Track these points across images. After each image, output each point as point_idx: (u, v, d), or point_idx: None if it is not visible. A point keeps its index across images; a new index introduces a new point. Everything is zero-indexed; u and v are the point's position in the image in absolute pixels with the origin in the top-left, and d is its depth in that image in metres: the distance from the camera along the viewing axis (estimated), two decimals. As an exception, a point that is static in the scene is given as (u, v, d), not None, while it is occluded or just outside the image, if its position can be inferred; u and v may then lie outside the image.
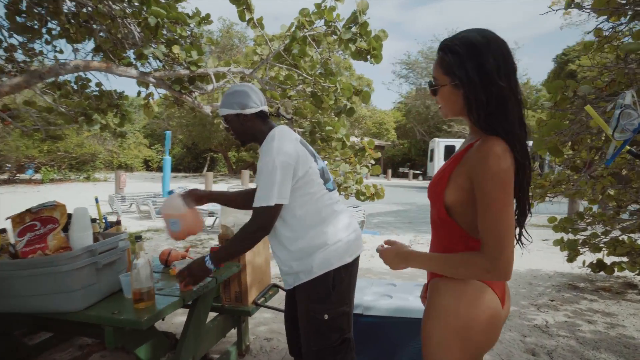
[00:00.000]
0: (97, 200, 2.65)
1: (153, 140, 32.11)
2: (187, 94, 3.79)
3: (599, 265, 4.07)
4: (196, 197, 1.87)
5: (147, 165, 32.02)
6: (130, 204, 10.33)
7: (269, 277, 2.86)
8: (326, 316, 1.57)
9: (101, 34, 3.77)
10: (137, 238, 1.75)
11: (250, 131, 1.68)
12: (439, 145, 20.23)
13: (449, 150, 20.03)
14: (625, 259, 3.95)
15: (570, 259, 4.05)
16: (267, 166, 1.51)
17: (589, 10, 2.95)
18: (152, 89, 4.02)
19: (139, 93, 4.06)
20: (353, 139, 4.71)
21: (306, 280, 1.60)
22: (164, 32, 3.67)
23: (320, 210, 1.63)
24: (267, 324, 3.20)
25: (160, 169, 30.51)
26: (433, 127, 30.99)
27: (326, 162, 4.16)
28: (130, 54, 3.77)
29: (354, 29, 3.83)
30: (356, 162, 4.75)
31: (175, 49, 3.58)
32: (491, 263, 0.98)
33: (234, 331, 2.69)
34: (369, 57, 4.10)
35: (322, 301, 1.58)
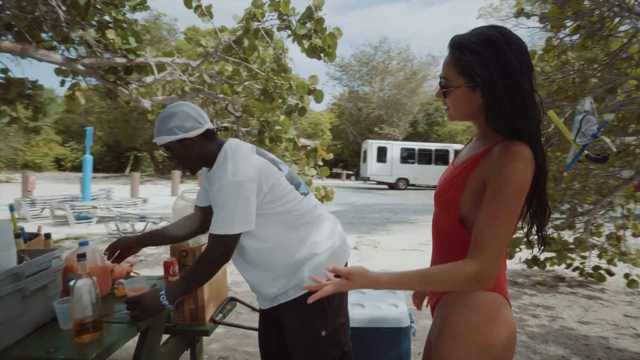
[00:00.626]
0: (12, 209, 2.17)
1: (67, 137, 29.08)
2: (124, 86, 3.36)
3: (533, 261, 4.37)
4: (124, 248, 1.67)
5: (60, 165, 28.92)
6: (41, 208, 9.15)
7: (226, 289, 2.60)
8: (324, 332, 1.43)
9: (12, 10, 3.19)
10: (81, 256, 1.43)
11: (198, 155, 1.47)
12: (371, 147, 20.84)
13: (381, 151, 20.73)
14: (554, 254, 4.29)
15: (510, 256, 4.29)
16: (224, 191, 1.33)
17: (517, 23, 3.09)
18: (78, 78, 3.51)
19: (62, 82, 3.52)
20: (303, 140, 4.57)
21: (297, 297, 1.44)
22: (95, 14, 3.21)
23: (299, 219, 1.48)
24: (220, 340, 2.94)
25: (75, 168, 27.70)
26: (365, 129, 31.95)
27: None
28: (53, 36, 3.24)
29: (309, 25, 3.69)
30: (305, 164, 4.61)
31: (110, 34, 3.15)
32: (482, 272, 0.91)
33: (187, 352, 2.39)
34: (322, 55, 3.99)
35: (318, 317, 1.43)
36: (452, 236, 1.07)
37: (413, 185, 20.71)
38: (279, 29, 3.74)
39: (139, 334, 1.74)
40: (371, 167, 20.64)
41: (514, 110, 0.96)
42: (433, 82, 31.34)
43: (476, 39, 0.97)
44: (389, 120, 30.70)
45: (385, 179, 20.82)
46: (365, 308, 2.22)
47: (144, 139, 24.15)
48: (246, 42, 3.65)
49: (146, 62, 3.32)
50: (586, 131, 2.15)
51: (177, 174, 15.60)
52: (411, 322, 2.18)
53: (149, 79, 3.57)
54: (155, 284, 1.96)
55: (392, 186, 20.82)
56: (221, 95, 3.98)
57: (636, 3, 2.55)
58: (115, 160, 31.12)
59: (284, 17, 3.62)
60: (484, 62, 0.94)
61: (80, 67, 3.15)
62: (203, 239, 2.34)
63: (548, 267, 4.44)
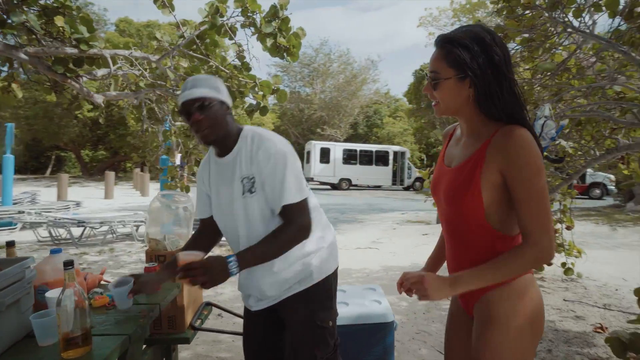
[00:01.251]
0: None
1: (-26, 135, 25.78)
2: (73, 79, 3.07)
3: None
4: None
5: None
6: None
7: (201, 294, 2.49)
8: (330, 323, 1.49)
9: None
10: (68, 264, 1.30)
11: (227, 125, 1.40)
12: (315, 148, 21.05)
13: (324, 152, 21.03)
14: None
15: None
16: (279, 158, 1.34)
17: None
18: (15, 67, 3.14)
19: (-4, 71, 3.13)
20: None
21: (302, 289, 1.46)
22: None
23: (312, 212, 1.47)
24: (190, 348, 2.80)
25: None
26: (307, 130, 32.16)
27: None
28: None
29: (274, 24, 3.64)
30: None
31: (59, 21, 2.86)
32: (541, 250, 0.98)
33: (163, 364, 2.25)
34: (285, 54, 3.96)
35: (325, 308, 1.49)
36: (476, 232, 1.10)
37: (355, 185, 21.27)
38: (242, 26, 3.65)
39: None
40: (314, 167, 20.84)
41: (504, 96, 1.04)
42: (372, 86, 32.46)
43: (465, 35, 1.05)
44: (330, 122, 31.18)
45: (328, 179, 21.14)
46: (349, 306, 2.25)
47: (70, 137, 22.20)
48: (209, 38, 3.52)
49: (100, 54, 3.06)
50: (546, 134, 2.37)
51: (110, 175, 14.52)
52: None
53: (100, 72, 3.29)
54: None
55: (335, 186, 21.18)
56: (178, 92, 3.79)
57: (579, 21, 2.85)
58: (33, 161, 28.21)
59: (249, 14, 3.54)
60: (473, 54, 1.02)
61: (23, 56, 2.82)
62: (182, 242, 2.22)
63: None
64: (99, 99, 3.28)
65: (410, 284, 1.07)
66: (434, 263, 1.41)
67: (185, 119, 1.33)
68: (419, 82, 20.72)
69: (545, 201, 1.00)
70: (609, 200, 14.69)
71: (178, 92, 3.69)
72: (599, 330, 3.07)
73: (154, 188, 15.89)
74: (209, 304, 2.48)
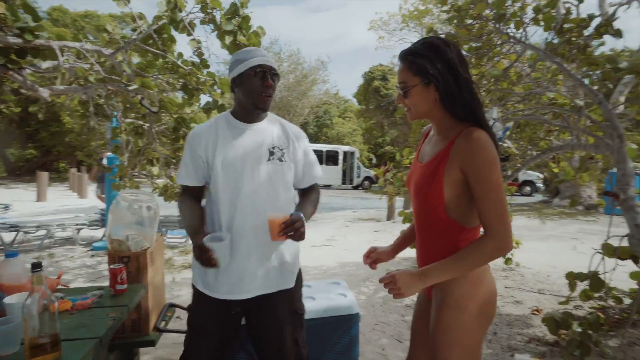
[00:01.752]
0: None
1: None
2: (16, 71, 2.85)
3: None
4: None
5: None
6: None
7: (165, 295, 2.43)
8: (304, 310, 1.63)
9: None
10: (36, 267, 1.25)
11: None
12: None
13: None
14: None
15: (414, 245, 4.81)
16: (309, 144, 1.69)
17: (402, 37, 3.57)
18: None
19: None
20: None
21: (290, 285, 1.56)
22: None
23: None
24: (149, 353, 2.73)
25: None
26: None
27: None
28: None
29: (234, 21, 3.61)
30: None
31: (0, 7, 2.65)
32: (500, 241, 1.09)
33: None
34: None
35: (300, 297, 1.61)
36: (440, 225, 1.21)
37: (306, 184, 21.31)
38: (202, 22, 3.59)
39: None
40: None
41: (463, 95, 1.16)
42: (322, 86, 32.67)
43: (423, 47, 1.19)
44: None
45: (279, 178, 21.03)
46: (317, 300, 2.31)
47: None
48: (167, 33, 3.42)
49: (47, 45, 2.86)
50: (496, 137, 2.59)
51: (43, 175, 13.43)
52: None
53: (46, 64, 3.08)
54: (102, 294, 1.76)
55: (286, 186, 21.11)
56: (131, 88, 3.64)
57: (520, 33, 3.14)
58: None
59: (209, 11, 3.49)
60: (431, 61, 1.16)
61: (-43, 43, 2.58)
62: (146, 243, 2.16)
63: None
64: (45, 93, 3.07)
65: (384, 285, 1.16)
66: (399, 244, 1.55)
67: (258, 80, 1.41)
68: (369, 83, 21.31)
69: (500, 196, 1.10)
70: (538, 197, 16.04)
71: (132, 88, 3.55)
72: (536, 313, 3.40)
73: (92, 189, 14.92)
74: (172, 305, 2.43)
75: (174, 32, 3.65)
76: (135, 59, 3.94)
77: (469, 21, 3.55)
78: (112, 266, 1.81)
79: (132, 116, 4.31)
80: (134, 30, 3.65)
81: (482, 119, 1.18)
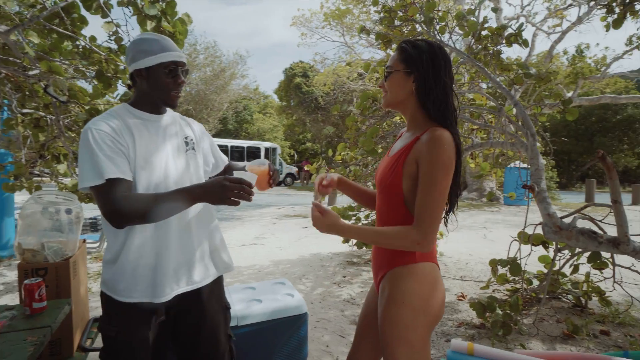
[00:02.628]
0: None
1: None
2: None
3: (363, 242, 5.12)
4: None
5: None
6: None
7: (88, 309, 2.14)
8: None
9: None
10: None
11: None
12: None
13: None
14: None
15: (347, 239, 4.92)
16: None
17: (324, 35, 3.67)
18: None
19: None
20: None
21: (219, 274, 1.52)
22: None
23: None
24: (68, 376, 2.38)
25: None
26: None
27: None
28: None
29: (157, 6, 3.31)
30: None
31: None
32: (423, 237, 1.14)
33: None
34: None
35: (223, 289, 1.57)
36: (397, 218, 1.24)
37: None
38: (119, 4, 3.22)
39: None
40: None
41: (437, 95, 1.23)
42: (241, 81, 31.89)
43: (420, 42, 1.28)
44: (197, 116, 29.59)
45: (198, 176, 20.16)
46: (263, 302, 2.22)
47: None
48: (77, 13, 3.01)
49: None
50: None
51: None
52: None
53: None
54: (13, 316, 1.48)
55: (206, 183, 20.31)
56: (32, 73, 3.16)
57: (447, 38, 3.33)
58: None
59: (128, -8, 3.15)
60: (420, 54, 1.24)
61: None
62: (68, 251, 1.87)
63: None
64: None
65: (311, 211, 1.26)
66: (353, 187, 1.56)
67: (170, 77, 1.33)
68: (290, 80, 21.28)
69: (441, 197, 1.14)
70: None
71: (33, 73, 3.09)
72: (461, 298, 3.67)
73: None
74: (97, 320, 2.15)
75: (85, 13, 3.25)
76: (35, 40, 3.42)
77: (398, 23, 3.70)
78: (27, 281, 1.54)
79: (32, 106, 3.75)
80: (32, 6, 3.17)
81: (449, 120, 1.23)
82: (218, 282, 1.51)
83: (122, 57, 3.45)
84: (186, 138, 1.45)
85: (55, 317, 1.53)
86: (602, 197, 14.51)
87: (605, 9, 4.27)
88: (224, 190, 1.16)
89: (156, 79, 1.32)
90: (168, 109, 1.46)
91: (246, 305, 2.19)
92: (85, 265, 2.09)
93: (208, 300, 1.43)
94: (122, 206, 1.17)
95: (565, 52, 10.71)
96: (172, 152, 1.39)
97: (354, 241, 5.15)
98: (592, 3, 8.71)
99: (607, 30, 4.46)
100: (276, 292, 2.39)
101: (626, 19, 4.14)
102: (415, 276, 1.21)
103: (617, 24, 4.12)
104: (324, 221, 1.21)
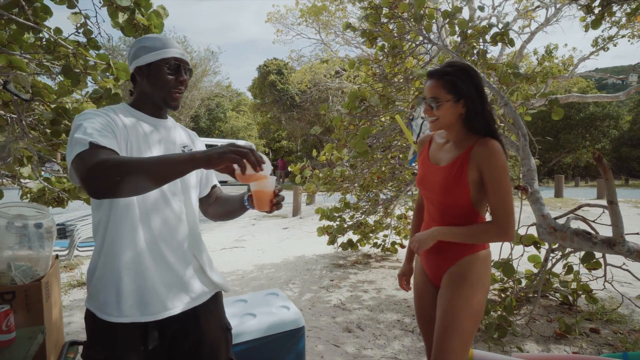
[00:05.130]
0: None
1: None
2: None
3: (349, 244, 5.03)
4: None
5: None
6: None
7: (62, 333, 1.93)
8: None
9: None
10: None
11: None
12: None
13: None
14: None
15: (331, 241, 4.81)
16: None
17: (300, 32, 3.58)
18: None
19: None
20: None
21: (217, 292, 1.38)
22: None
23: None
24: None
25: None
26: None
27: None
28: None
29: (132, -3, 3.08)
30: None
31: None
32: (504, 230, 1.37)
33: None
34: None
35: (223, 306, 1.44)
36: (462, 212, 1.45)
37: (201, 181, 20.20)
38: (90, -6, 2.97)
39: None
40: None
41: (484, 114, 1.44)
42: (213, 78, 31.21)
43: (457, 70, 1.43)
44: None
45: (170, 176, 19.56)
46: (258, 317, 2.08)
47: None
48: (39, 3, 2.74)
49: None
50: (423, 133, 2.64)
51: None
52: None
53: None
54: None
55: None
56: (-10, 68, 2.87)
57: (434, 35, 3.27)
58: None
59: (99, -20, 2.90)
60: (465, 82, 1.42)
61: None
62: (40, 272, 1.66)
63: (360, 248, 5.21)
64: None
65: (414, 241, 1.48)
66: (410, 257, 1.80)
67: (172, 74, 1.25)
68: (264, 77, 20.96)
69: (508, 194, 1.37)
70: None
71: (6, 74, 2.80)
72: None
73: None
74: (74, 343, 1.94)
75: (49, 2, 2.98)
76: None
77: (384, 20, 3.61)
78: (-8, 310, 1.33)
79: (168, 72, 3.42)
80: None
81: (496, 132, 1.44)
82: (217, 300, 1.36)
83: (92, 52, 3.21)
84: (184, 147, 1.35)
85: (26, 350, 1.33)
86: (570, 191, 15.09)
87: (583, 10, 4.33)
88: (227, 147, 0.96)
89: (157, 75, 1.24)
90: (170, 117, 1.37)
91: (239, 320, 2.04)
92: (59, 285, 1.89)
93: (206, 321, 1.28)
94: (103, 159, 0.96)
95: (535, 52, 10.92)
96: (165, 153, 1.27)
97: (339, 242, 5.05)
98: (558, 5, 8.98)
99: (586, 31, 4.55)
100: (270, 304, 2.24)
101: (605, 19, 4.22)
102: (483, 261, 1.46)
103: (596, 24, 4.18)
104: (424, 237, 1.45)
